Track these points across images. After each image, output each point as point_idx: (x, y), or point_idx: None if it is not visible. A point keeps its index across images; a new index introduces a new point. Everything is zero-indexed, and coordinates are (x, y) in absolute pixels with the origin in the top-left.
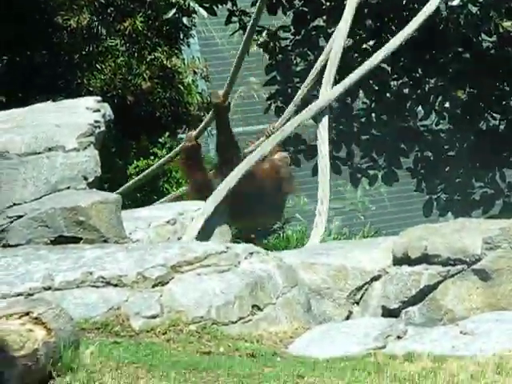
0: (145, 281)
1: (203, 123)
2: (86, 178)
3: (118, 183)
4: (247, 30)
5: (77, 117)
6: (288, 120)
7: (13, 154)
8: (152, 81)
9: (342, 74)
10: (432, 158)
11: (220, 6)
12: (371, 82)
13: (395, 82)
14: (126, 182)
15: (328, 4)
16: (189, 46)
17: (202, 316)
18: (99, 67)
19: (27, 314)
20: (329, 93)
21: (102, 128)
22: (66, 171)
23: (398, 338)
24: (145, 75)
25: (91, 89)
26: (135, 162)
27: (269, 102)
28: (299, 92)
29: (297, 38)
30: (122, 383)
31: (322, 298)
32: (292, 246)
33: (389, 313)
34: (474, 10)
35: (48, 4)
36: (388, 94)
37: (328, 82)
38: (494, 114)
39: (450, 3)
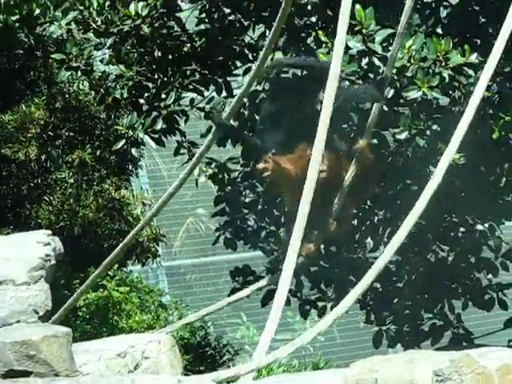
0: None
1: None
2: (36, 312)
3: (67, 316)
4: (193, 160)
5: (27, 251)
6: None
7: None
8: (100, 212)
9: None
10: (381, 290)
11: (169, 137)
12: None
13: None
14: (76, 315)
15: None
16: (137, 177)
17: None
18: (47, 199)
19: None
20: None
21: (53, 261)
22: (17, 305)
23: None
24: (92, 206)
25: (39, 221)
26: (85, 294)
27: (217, 234)
28: None
29: (245, 169)
30: None
31: None
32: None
33: None
34: (422, 142)
35: None
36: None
37: None
38: (442, 246)
39: (397, 136)
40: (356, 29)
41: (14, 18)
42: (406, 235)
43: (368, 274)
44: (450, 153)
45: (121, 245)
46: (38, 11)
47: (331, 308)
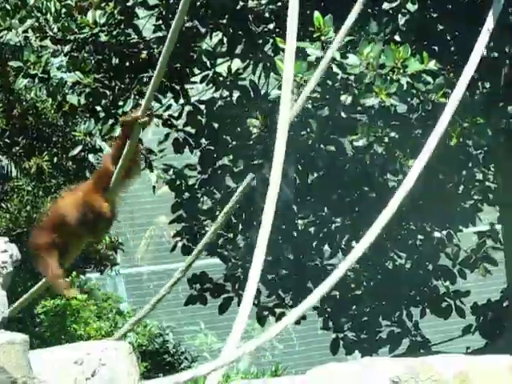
0: None
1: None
2: None
3: (25, 323)
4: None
5: None
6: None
7: None
8: None
9: None
10: (339, 297)
11: None
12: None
13: (302, 221)
14: (34, 322)
15: (234, 143)
16: None
17: None
18: (4, 206)
19: None
20: None
21: (10, 269)
22: None
23: None
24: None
25: None
26: (42, 301)
27: (175, 241)
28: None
29: (203, 176)
30: None
31: None
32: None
33: None
34: (380, 149)
35: None
36: (294, 233)
37: None
38: (400, 253)
39: (355, 143)
40: (315, 35)
41: None
42: (369, 244)
43: (327, 280)
44: (421, 162)
45: None
46: None
47: None
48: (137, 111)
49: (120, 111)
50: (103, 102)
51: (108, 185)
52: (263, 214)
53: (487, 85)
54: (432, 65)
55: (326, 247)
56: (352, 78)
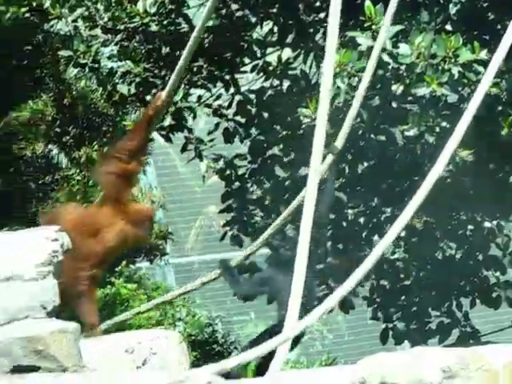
0: None
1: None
2: (44, 308)
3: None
4: None
5: (35, 247)
6: None
7: None
8: None
9: None
10: (388, 287)
11: (176, 134)
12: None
13: (352, 211)
14: None
15: (284, 133)
16: (145, 174)
17: None
18: (54, 196)
19: None
20: None
21: (61, 257)
22: (25, 301)
23: None
24: None
25: None
26: None
27: (224, 230)
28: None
29: (253, 166)
30: None
31: None
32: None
33: None
34: (431, 139)
35: (4, 132)
36: (344, 223)
37: None
38: (450, 244)
39: (406, 133)
40: (366, 25)
41: (23, 10)
42: (403, 226)
43: (362, 265)
44: (451, 147)
45: None
46: (48, 3)
47: (340, 306)
48: (161, 95)
49: None
50: (153, 91)
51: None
52: (304, 202)
53: None
54: (483, 54)
55: (376, 237)
56: (403, 67)
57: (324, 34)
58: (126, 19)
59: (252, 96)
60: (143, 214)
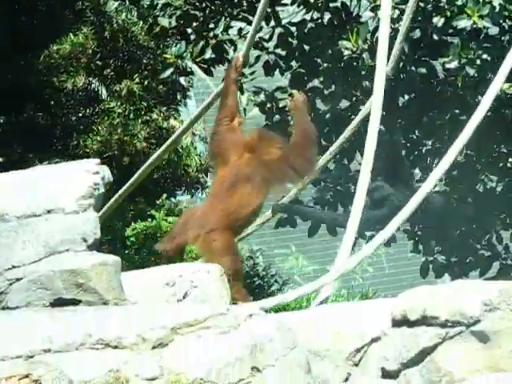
0: (144, 343)
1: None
2: (85, 240)
3: (116, 245)
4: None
5: (76, 179)
6: None
7: (12, 217)
8: (148, 142)
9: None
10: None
11: (217, 67)
12: None
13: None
14: (125, 245)
15: (325, 65)
16: (186, 106)
17: (202, 378)
18: (95, 129)
19: (27, 376)
20: None
21: (102, 190)
22: (66, 233)
23: None
24: (140, 136)
25: (88, 150)
26: (133, 223)
27: None
28: None
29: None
30: None
31: (321, 359)
32: (291, 307)
33: (388, 375)
34: (472, 72)
35: (45, 65)
36: (385, 155)
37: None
38: (491, 176)
39: (447, 65)
40: None
41: None
42: (451, 162)
43: (412, 200)
44: (499, 81)
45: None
46: None
47: None
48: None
49: (211, 34)
50: (194, 24)
51: None
52: (367, 138)
53: None
54: None
55: (417, 170)
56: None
57: None
58: None
59: (293, 29)
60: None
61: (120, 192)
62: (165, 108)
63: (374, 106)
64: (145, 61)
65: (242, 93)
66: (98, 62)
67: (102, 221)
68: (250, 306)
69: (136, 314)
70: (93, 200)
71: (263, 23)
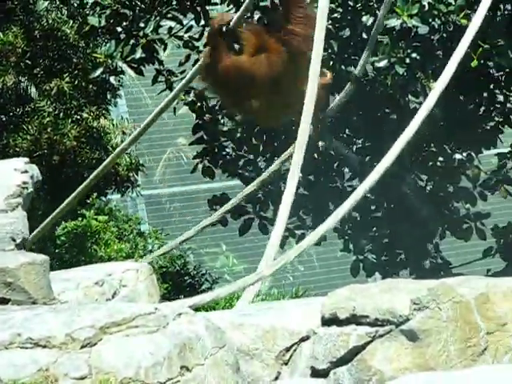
0: (73, 342)
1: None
2: (13, 240)
3: (46, 244)
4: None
5: (4, 178)
6: None
7: None
8: (78, 141)
9: None
10: (359, 219)
11: (148, 66)
12: None
13: (323, 143)
14: (54, 244)
15: None
16: (116, 106)
17: (131, 377)
18: (25, 128)
19: None
20: None
21: (30, 189)
22: None
23: None
24: (70, 135)
25: (18, 149)
26: (63, 222)
27: (195, 162)
28: None
29: None
30: None
31: (250, 358)
32: (220, 306)
33: (318, 374)
34: (401, 70)
35: None
36: (315, 155)
37: None
38: (420, 175)
39: (376, 64)
40: None
41: None
42: (387, 166)
43: (347, 201)
44: (442, 83)
45: (96, 171)
46: None
47: None
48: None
49: (141, 33)
50: (124, 23)
51: None
52: (297, 136)
53: (508, 7)
54: None
55: (347, 169)
56: None
57: None
58: None
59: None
60: None
61: (61, 206)
62: (95, 107)
63: (306, 105)
64: (75, 60)
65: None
66: (27, 61)
67: (31, 220)
68: (178, 304)
69: (65, 313)
70: (21, 199)
71: (193, 22)
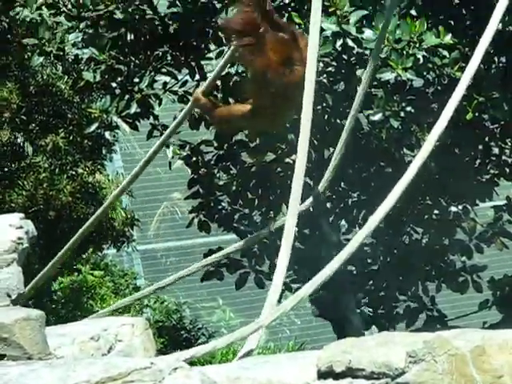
0: None
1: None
2: (9, 295)
3: (42, 299)
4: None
5: None
6: None
7: None
8: (74, 196)
9: None
10: (355, 272)
11: (142, 121)
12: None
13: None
14: (51, 299)
15: None
16: (111, 161)
17: None
18: (21, 183)
19: None
20: None
21: (26, 245)
22: None
23: None
24: (66, 191)
25: (13, 205)
26: (59, 278)
27: (191, 216)
28: None
29: (219, 152)
30: None
31: None
32: (217, 360)
33: None
34: (396, 124)
35: None
36: (311, 208)
37: None
38: (416, 228)
39: (371, 118)
40: (330, 10)
41: None
42: (382, 217)
43: (341, 253)
44: (434, 136)
45: (89, 221)
46: None
47: None
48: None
49: (136, 88)
50: (119, 78)
51: None
52: (291, 193)
53: (503, 59)
54: (448, 39)
55: (343, 222)
56: (368, 52)
57: (288, 19)
58: (90, 7)
59: (218, 82)
60: None
61: (55, 259)
62: (90, 162)
63: (299, 158)
64: (70, 115)
65: (168, 146)
66: (22, 117)
67: (27, 275)
68: (175, 357)
69: (60, 368)
70: (16, 255)
71: (187, 77)
